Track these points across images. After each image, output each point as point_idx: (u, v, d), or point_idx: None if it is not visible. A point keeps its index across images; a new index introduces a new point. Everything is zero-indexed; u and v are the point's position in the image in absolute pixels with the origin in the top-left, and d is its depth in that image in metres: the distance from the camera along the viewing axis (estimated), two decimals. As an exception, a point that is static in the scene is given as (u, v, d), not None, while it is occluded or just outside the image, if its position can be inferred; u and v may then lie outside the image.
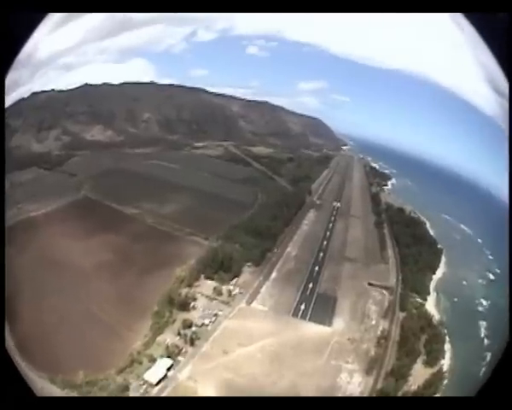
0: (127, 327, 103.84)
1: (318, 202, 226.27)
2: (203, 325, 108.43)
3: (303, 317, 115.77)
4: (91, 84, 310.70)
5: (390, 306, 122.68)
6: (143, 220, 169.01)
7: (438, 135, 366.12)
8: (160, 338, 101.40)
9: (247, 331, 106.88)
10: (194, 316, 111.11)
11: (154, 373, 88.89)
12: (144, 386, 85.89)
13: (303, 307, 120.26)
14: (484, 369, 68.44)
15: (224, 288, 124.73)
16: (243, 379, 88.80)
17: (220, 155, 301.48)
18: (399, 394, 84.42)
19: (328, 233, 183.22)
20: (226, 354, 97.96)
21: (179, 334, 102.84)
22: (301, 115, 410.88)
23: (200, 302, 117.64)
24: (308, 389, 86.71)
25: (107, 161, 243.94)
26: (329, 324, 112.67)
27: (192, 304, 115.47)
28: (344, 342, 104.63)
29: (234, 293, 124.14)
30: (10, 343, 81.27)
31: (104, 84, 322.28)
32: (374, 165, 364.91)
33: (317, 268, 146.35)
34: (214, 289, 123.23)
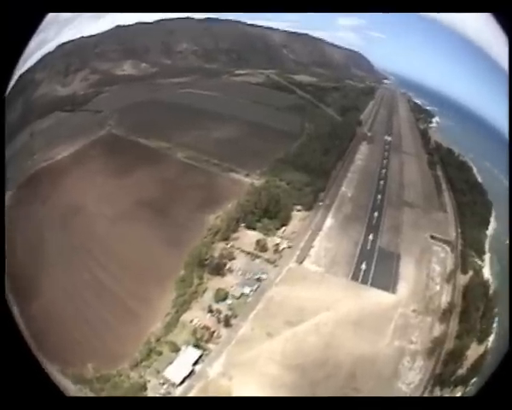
0: (144, 302, 71.09)
1: (369, 134, 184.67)
2: (242, 295, 73.29)
3: (364, 281, 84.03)
4: (123, 25, 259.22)
5: (453, 267, 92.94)
6: (173, 156, 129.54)
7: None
8: (185, 317, 69.41)
9: (298, 303, 74.17)
10: (230, 282, 75.77)
11: (176, 369, 61.19)
12: (165, 386, 59.48)
13: (364, 266, 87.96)
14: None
15: (270, 240, 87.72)
16: (291, 375, 60.85)
17: (262, 83, 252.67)
18: (452, 378, 62.70)
19: (383, 171, 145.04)
20: (270, 338, 66.34)
21: (210, 310, 69.35)
22: (342, 48, 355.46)
23: (239, 262, 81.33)
24: (367, 381, 61.73)
25: (137, 94, 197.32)
26: (393, 290, 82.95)
27: (228, 265, 78.96)
28: (409, 314, 76.93)
29: (282, 247, 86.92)
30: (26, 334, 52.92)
31: (137, 23, 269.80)
32: (416, 100, 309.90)
33: (376, 214, 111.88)
34: (257, 242, 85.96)
